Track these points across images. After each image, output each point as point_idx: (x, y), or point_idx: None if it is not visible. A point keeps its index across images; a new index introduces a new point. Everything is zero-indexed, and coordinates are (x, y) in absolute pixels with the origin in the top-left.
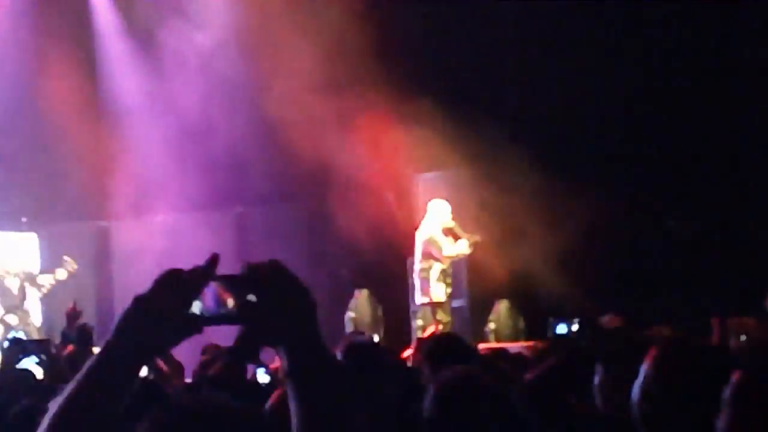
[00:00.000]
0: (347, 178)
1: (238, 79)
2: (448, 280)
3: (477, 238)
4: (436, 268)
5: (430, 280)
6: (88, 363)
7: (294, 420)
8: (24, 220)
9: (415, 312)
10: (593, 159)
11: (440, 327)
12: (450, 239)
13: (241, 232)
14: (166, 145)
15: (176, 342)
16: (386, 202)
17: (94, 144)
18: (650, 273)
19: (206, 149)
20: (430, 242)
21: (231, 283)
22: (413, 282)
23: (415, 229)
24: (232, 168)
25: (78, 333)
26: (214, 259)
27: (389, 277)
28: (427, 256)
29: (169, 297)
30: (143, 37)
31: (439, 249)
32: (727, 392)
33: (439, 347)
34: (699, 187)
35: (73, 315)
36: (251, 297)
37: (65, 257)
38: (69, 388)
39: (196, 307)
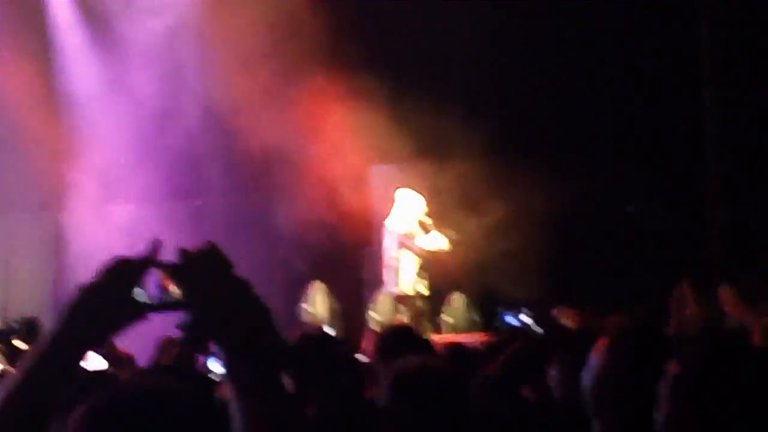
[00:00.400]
0: (303, 170)
1: (198, 71)
2: (423, 274)
3: (453, 233)
4: (408, 260)
5: (402, 271)
6: (31, 349)
7: (236, 420)
8: None
9: (371, 304)
10: (548, 147)
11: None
12: (422, 232)
13: (200, 224)
14: (124, 136)
15: (120, 328)
16: (341, 193)
17: (50, 134)
18: (609, 260)
19: (164, 141)
20: (408, 235)
21: (171, 270)
22: (371, 272)
23: (374, 219)
24: (190, 160)
25: (26, 326)
26: (155, 246)
27: (345, 269)
28: (401, 247)
29: (115, 283)
30: (100, 26)
31: (418, 241)
32: (663, 385)
33: (392, 338)
34: (658, 173)
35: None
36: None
37: None
38: (12, 376)
39: (141, 295)
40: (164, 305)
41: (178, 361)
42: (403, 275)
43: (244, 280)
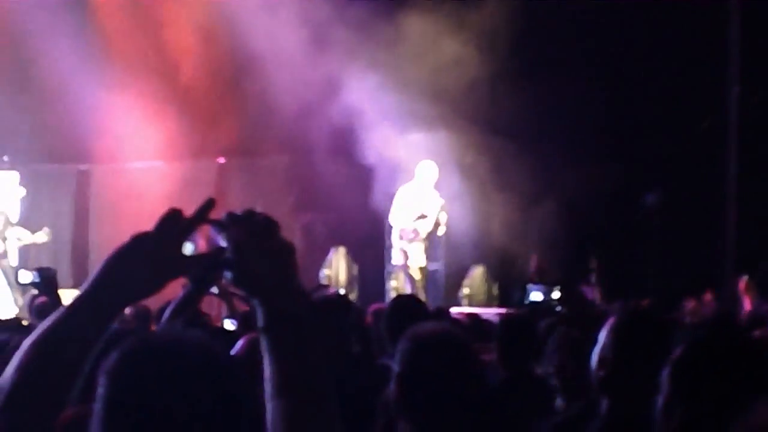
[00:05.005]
0: (329, 135)
1: (223, 32)
2: (427, 250)
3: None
4: (421, 232)
5: (409, 248)
6: (75, 296)
7: (268, 372)
8: (6, 158)
9: (390, 273)
10: (574, 132)
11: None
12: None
13: (222, 183)
14: (152, 91)
15: (167, 280)
16: (367, 161)
17: (79, 87)
18: (626, 246)
19: (190, 99)
20: (416, 210)
21: (222, 227)
22: (390, 243)
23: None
24: (215, 119)
25: (42, 277)
26: (209, 203)
27: (367, 236)
28: (409, 230)
29: (167, 234)
30: None
31: (422, 223)
32: (665, 371)
33: (402, 308)
34: (679, 165)
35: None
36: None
37: (45, 229)
38: (50, 321)
39: (190, 250)
40: (212, 261)
41: (179, 307)
42: (410, 252)
43: (288, 242)
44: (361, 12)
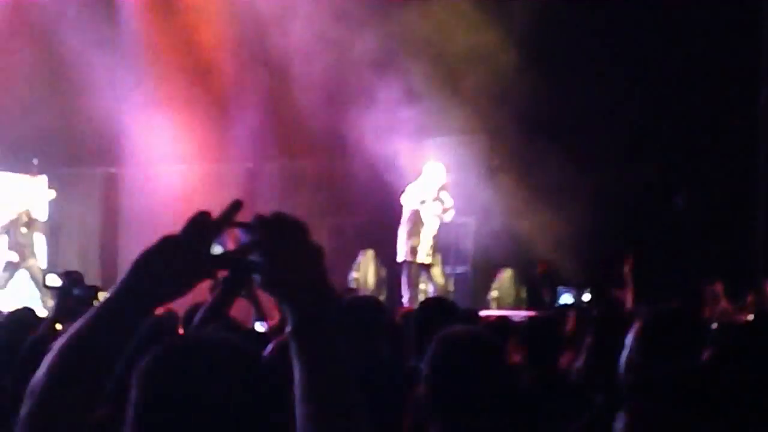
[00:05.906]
0: (357, 138)
1: (254, 36)
2: (433, 243)
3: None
4: (426, 231)
5: (419, 241)
6: (105, 297)
7: (297, 377)
8: (35, 162)
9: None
10: (603, 132)
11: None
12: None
13: (251, 187)
14: (181, 94)
15: (194, 282)
16: (394, 165)
17: (109, 90)
18: (654, 248)
19: (219, 102)
20: (422, 206)
21: (251, 230)
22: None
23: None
24: (245, 124)
25: (70, 281)
26: (235, 205)
27: (395, 239)
28: (415, 218)
29: (195, 236)
30: None
31: (429, 212)
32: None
33: (432, 310)
34: (709, 167)
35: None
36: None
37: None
38: (78, 324)
39: (218, 252)
40: (240, 258)
41: (210, 311)
42: (420, 245)
43: (318, 245)
44: (384, 14)
